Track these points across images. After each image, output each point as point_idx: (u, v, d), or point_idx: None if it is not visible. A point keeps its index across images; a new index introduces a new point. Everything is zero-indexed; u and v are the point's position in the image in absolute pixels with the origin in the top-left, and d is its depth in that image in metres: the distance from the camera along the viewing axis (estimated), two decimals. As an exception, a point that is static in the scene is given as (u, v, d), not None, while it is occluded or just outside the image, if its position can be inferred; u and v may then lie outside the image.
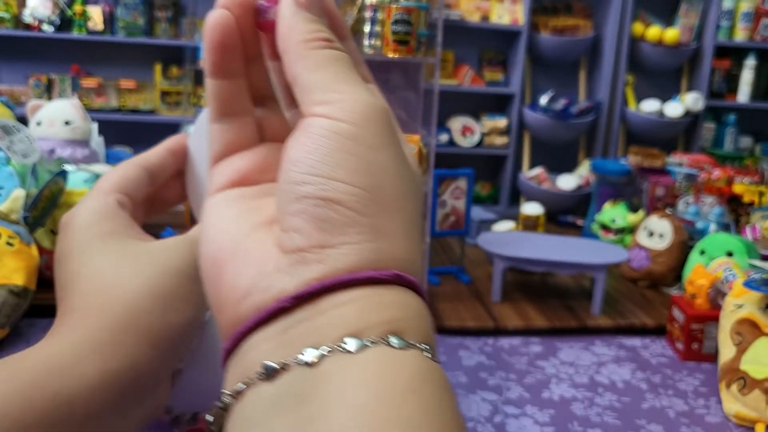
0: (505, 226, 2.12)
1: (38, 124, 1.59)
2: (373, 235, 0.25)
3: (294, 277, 0.24)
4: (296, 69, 0.27)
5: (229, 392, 0.24)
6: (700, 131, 2.86)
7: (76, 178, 1.47)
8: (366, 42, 1.51)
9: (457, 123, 2.67)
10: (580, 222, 2.53)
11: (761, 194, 2.29)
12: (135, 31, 2.83)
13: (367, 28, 1.51)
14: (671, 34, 2.69)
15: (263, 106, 0.33)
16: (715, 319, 1.45)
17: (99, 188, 0.38)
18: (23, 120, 1.53)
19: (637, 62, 2.80)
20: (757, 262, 1.55)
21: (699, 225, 1.96)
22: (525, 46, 2.63)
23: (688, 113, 2.76)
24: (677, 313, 1.53)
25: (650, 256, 1.89)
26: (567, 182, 2.59)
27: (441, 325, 1.56)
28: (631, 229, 2.10)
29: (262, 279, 0.25)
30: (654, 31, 2.69)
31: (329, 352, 0.22)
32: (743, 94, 2.87)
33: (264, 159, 0.30)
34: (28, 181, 1.33)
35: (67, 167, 1.44)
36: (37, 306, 1.30)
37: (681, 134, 2.91)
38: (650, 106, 2.74)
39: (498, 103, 2.82)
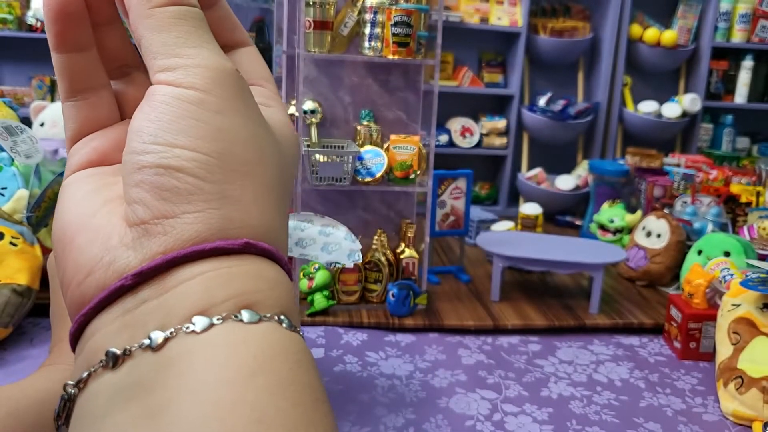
0: (504, 226, 2.13)
1: (41, 124, 1.60)
2: (220, 202, 0.23)
3: (138, 252, 0.23)
4: (139, 30, 0.25)
5: (72, 382, 0.22)
6: (697, 132, 2.88)
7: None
8: (366, 44, 1.52)
9: (456, 124, 2.68)
10: (578, 222, 2.54)
11: (758, 194, 2.30)
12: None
13: (367, 30, 1.52)
14: (669, 35, 2.70)
15: (124, 78, 0.30)
16: (713, 318, 1.46)
17: None
18: (26, 121, 1.54)
19: (634, 64, 2.82)
20: (755, 262, 1.56)
21: (696, 225, 1.98)
22: (524, 48, 2.65)
23: (685, 114, 2.77)
24: (675, 313, 1.54)
25: (648, 256, 1.90)
26: (565, 182, 2.60)
27: (441, 324, 1.57)
28: (629, 229, 2.11)
29: (105, 254, 0.23)
30: (652, 33, 2.71)
31: (174, 333, 0.21)
32: (740, 95, 2.89)
33: (123, 136, 0.26)
34: (31, 181, 1.33)
35: (70, 168, 1.44)
36: (40, 305, 1.30)
37: (678, 135, 2.92)
38: (648, 107, 2.75)
39: (497, 104, 2.83)
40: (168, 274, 0.22)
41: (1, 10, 2.60)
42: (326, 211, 1.54)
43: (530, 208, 2.26)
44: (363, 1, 1.53)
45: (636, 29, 2.73)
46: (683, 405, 1.31)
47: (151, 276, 0.22)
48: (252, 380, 0.20)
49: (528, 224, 2.22)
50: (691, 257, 1.81)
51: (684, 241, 1.91)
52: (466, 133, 2.69)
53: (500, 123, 2.71)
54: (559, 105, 2.68)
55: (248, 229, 0.24)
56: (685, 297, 1.54)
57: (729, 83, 2.91)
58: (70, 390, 0.22)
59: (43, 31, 2.66)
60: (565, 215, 2.61)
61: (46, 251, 1.37)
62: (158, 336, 0.21)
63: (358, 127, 1.62)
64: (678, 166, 2.59)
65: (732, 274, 1.56)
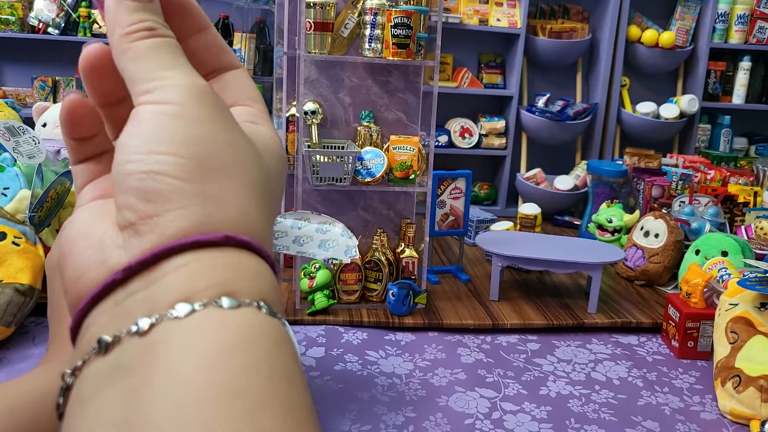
0: (502, 225, 2.14)
1: (44, 125, 1.60)
2: (200, 200, 0.25)
3: (128, 250, 0.25)
4: (121, 62, 0.27)
5: (69, 371, 0.24)
6: (695, 132, 2.89)
7: (80, 178, 1.48)
8: (366, 45, 1.53)
9: (455, 124, 2.69)
10: (576, 222, 2.55)
11: (756, 194, 2.31)
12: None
13: (367, 32, 1.53)
14: (667, 36, 2.71)
15: None
16: (710, 317, 1.47)
17: None
18: (29, 121, 1.55)
19: (633, 65, 2.83)
20: (752, 262, 1.57)
21: (694, 225, 1.99)
22: (522, 49, 2.66)
23: (683, 115, 2.78)
24: (673, 312, 1.55)
25: (646, 256, 1.91)
26: (564, 183, 2.61)
27: (440, 324, 1.58)
28: (627, 229, 2.12)
29: (99, 255, 0.25)
30: (650, 34, 2.72)
31: (158, 319, 0.23)
32: (738, 95, 2.90)
33: None
34: (33, 181, 1.34)
35: (72, 168, 1.45)
36: (42, 304, 1.30)
37: (676, 135, 2.93)
38: (646, 107, 2.76)
39: (496, 105, 2.84)
40: (154, 268, 0.24)
41: (3, 11, 2.61)
42: (326, 211, 1.55)
43: (529, 208, 2.27)
44: (363, 3, 1.54)
45: (634, 30, 2.74)
46: (681, 403, 1.32)
47: (139, 270, 0.24)
48: (228, 358, 0.21)
49: (527, 224, 2.23)
50: (689, 257, 1.82)
51: (682, 240, 1.92)
52: (465, 133, 2.70)
53: (499, 124, 2.72)
54: (557, 106, 2.69)
55: (228, 224, 0.25)
56: (683, 296, 1.55)
57: (727, 84, 2.92)
58: (68, 379, 0.24)
59: (45, 32, 2.67)
60: (563, 215, 2.62)
61: (48, 251, 1.37)
62: (145, 322, 0.23)
63: (359, 128, 1.63)
64: (676, 166, 2.60)
65: (729, 274, 1.57)
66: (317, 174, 1.53)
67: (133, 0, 0.28)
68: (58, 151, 1.54)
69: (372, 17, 1.51)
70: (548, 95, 2.75)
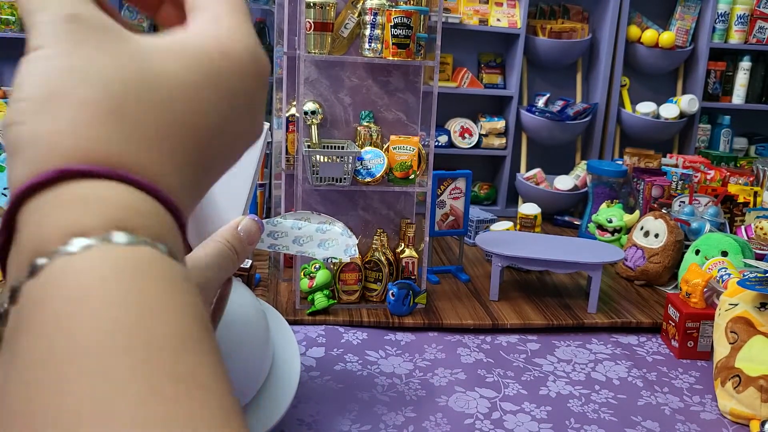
0: (502, 225, 2.14)
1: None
2: (35, 139, 0.24)
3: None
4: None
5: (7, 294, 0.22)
6: (695, 132, 2.89)
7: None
8: (366, 45, 1.53)
9: (455, 125, 2.69)
10: (576, 222, 2.55)
11: (756, 194, 2.32)
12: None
13: (367, 32, 1.53)
14: (667, 36, 2.71)
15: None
16: (710, 317, 1.47)
17: None
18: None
19: (632, 65, 2.83)
20: (752, 262, 1.57)
21: (694, 225, 1.99)
22: (522, 49, 2.65)
23: (683, 115, 2.78)
24: (673, 312, 1.55)
25: (646, 256, 1.91)
26: (564, 183, 2.61)
27: (440, 323, 1.58)
28: (627, 229, 2.12)
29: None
30: (650, 34, 2.72)
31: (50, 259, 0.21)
32: (738, 95, 2.90)
33: None
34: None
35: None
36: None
37: (676, 135, 2.93)
38: (646, 107, 2.76)
39: (496, 105, 2.84)
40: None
41: (3, 11, 2.61)
42: (326, 212, 1.55)
43: (529, 208, 2.27)
44: (363, 3, 1.54)
45: (634, 30, 2.74)
46: (681, 403, 1.32)
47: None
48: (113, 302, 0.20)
49: (527, 224, 2.23)
50: (689, 257, 1.82)
51: (682, 240, 1.92)
52: (465, 133, 2.70)
53: (499, 124, 2.72)
54: (557, 106, 2.69)
55: (60, 155, 0.23)
56: (683, 296, 1.55)
57: (726, 84, 2.92)
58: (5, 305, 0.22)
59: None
60: (563, 215, 2.62)
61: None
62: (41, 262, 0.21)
63: (359, 128, 1.63)
64: (676, 166, 2.60)
65: (729, 274, 1.57)
66: (317, 174, 1.53)
67: None
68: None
69: (372, 17, 1.51)
70: (548, 95, 2.75)
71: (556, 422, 1.22)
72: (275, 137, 1.85)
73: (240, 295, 1.08)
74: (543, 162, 2.81)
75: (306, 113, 1.58)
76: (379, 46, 1.53)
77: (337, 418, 1.18)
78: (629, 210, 2.30)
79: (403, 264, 1.65)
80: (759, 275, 1.40)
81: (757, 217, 2.11)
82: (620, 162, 2.66)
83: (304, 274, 1.60)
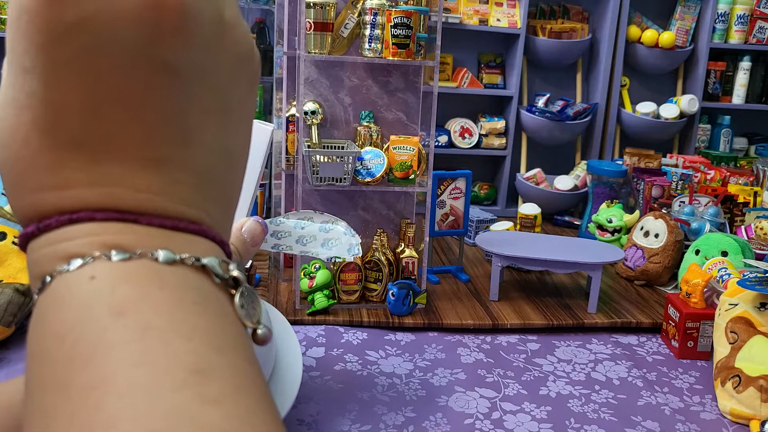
0: (502, 225, 2.14)
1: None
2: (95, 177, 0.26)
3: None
4: None
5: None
6: (695, 132, 2.89)
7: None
8: (366, 45, 1.53)
9: (455, 125, 2.69)
10: (576, 222, 2.55)
11: (756, 195, 2.32)
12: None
13: (367, 32, 1.53)
14: (667, 36, 2.71)
15: None
16: (710, 317, 1.47)
17: None
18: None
19: (632, 65, 2.83)
20: (752, 262, 1.57)
21: (694, 225, 1.99)
22: (522, 49, 2.65)
23: (683, 115, 2.78)
24: (673, 312, 1.55)
25: (646, 256, 1.91)
26: (564, 183, 2.61)
27: (440, 323, 1.58)
28: (627, 229, 2.12)
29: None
30: (650, 34, 2.72)
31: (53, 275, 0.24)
32: (738, 96, 2.90)
33: None
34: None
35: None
36: (43, 305, 1.31)
37: (676, 135, 2.93)
38: (646, 107, 2.76)
39: (496, 105, 2.84)
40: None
41: (3, 11, 2.61)
42: (326, 212, 1.55)
43: (529, 208, 2.27)
44: (363, 3, 1.54)
45: (634, 30, 2.74)
46: (681, 404, 1.32)
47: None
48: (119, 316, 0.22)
49: (527, 224, 2.23)
50: (689, 257, 1.82)
51: (682, 240, 1.92)
52: (465, 133, 2.70)
53: (499, 124, 2.72)
54: (557, 106, 2.69)
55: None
56: (683, 296, 1.55)
57: (726, 84, 2.92)
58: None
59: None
60: (563, 215, 2.62)
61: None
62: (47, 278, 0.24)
63: (359, 128, 1.63)
64: (676, 166, 2.60)
65: (729, 274, 1.57)
66: (317, 174, 1.53)
67: None
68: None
69: (372, 17, 1.51)
70: (548, 95, 2.75)
71: (556, 422, 1.22)
72: (275, 137, 1.85)
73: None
74: (543, 162, 2.81)
75: (306, 113, 1.58)
76: (379, 46, 1.53)
77: (337, 418, 1.18)
78: (629, 210, 2.30)
79: (403, 264, 1.65)
80: (759, 275, 1.40)
81: (757, 217, 2.11)
82: (620, 162, 2.66)
83: (304, 274, 1.60)
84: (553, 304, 1.72)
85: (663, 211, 2.09)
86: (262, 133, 1.15)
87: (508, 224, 2.15)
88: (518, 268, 1.91)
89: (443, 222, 1.90)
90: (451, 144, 2.68)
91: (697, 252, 1.80)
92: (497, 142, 2.72)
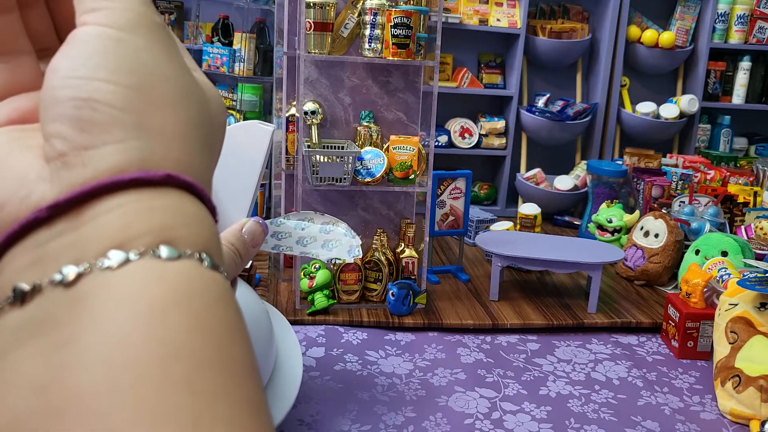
0: (502, 225, 2.14)
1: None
2: (140, 133, 0.22)
3: (55, 184, 0.21)
4: None
5: None
6: (695, 132, 2.89)
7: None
8: (366, 45, 1.53)
9: (455, 125, 2.69)
10: (576, 222, 2.55)
11: (755, 194, 2.32)
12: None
13: (367, 32, 1.53)
14: (667, 36, 2.71)
15: (46, 60, 0.27)
16: (710, 317, 1.47)
17: None
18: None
19: (632, 65, 2.83)
20: (752, 262, 1.57)
21: (694, 225, 1.99)
22: (522, 49, 2.65)
23: (683, 115, 2.78)
24: (673, 312, 1.55)
25: (646, 256, 1.91)
26: (564, 183, 2.61)
27: (440, 323, 1.58)
28: (627, 229, 2.12)
29: (21, 188, 0.22)
30: (650, 34, 2.72)
31: (87, 269, 0.20)
32: (738, 96, 2.90)
33: None
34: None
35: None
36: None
37: (676, 135, 2.93)
38: (646, 107, 2.76)
39: (496, 105, 2.84)
40: (85, 207, 0.21)
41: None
42: (326, 211, 1.55)
43: (529, 208, 2.27)
44: (363, 3, 1.54)
45: (634, 30, 2.74)
46: (681, 403, 1.32)
47: (67, 208, 0.21)
48: (166, 316, 0.20)
49: (527, 224, 2.23)
50: (689, 257, 1.82)
51: (682, 240, 1.92)
52: (465, 133, 2.70)
53: (499, 124, 2.72)
54: (557, 106, 2.69)
55: (170, 162, 0.23)
56: (683, 296, 1.55)
57: (726, 84, 2.92)
58: None
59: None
60: (563, 215, 2.62)
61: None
62: (70, 271, 0.20)
63: (359, 128, 1.63)
64: (676, 166, 2.60)
65: (729, 274, 1.57)
66: (317, 174, 1.53)
67: None
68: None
69: (372, 17, 1.51)
70: (548, 95, 2.75)
71: (556, 422, 1.22)
72: (275, 137, 1.85)
73: (244, 297, 1.08)
74: (543, 162, 2.81)
75: (306, 113, 1.58)
76: (379, 46, 1.53)
77: (337, 418, 1.18)
78: (629, 210, 2.30)
79: (403, 264, 1.65)
80: (759, 275, 1.40)
81: (757, 217, 2.11)
82: (620, 162, 2.66)
83: (304, 274, 1.60)
84: (553, 304, 1.72)
85: (663, 211, 2.09)
86: (262, 133, 1.15)
87: (508, 224, 2.15)
88: (518, 268, 1.91)
89: (443, 222, 1.90)
90: (451, 144, 2.68)
91: (697, 252, 1.80)
92: (497, 142, 2.72)
